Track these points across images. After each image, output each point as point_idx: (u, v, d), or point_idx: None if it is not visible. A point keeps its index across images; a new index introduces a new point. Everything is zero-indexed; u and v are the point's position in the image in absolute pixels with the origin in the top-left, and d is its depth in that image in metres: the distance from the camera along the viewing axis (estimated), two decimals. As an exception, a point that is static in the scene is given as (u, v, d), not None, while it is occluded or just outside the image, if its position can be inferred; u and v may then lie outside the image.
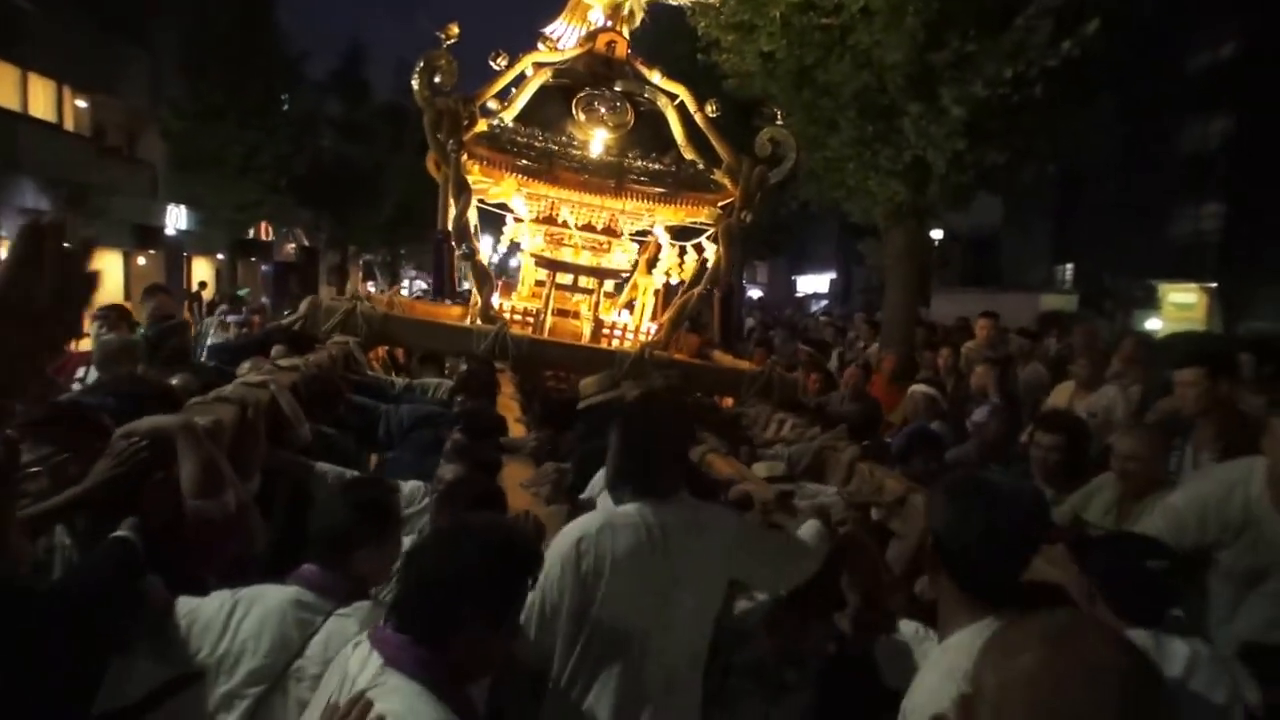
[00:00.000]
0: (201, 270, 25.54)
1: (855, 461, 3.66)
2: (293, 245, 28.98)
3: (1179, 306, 23.46)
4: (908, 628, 2.32)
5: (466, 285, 6.46)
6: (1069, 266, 30.13)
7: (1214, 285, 23.01)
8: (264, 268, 28.03)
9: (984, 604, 1.72)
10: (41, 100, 18.71)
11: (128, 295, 16.00)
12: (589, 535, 2.19)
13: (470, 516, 2.11)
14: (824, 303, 35.30)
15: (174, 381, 3.35)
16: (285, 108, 21.91)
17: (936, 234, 22.73)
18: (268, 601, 1.97)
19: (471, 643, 1.56)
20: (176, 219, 22.80)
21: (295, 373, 3.67)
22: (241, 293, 10.25)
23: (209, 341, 6.46)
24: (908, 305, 9.28)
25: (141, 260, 22.65)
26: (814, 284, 46.00)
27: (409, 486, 2.96)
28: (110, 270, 21.32)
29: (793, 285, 46.74)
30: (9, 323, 0.77)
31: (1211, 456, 3.61)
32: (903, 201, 8.42)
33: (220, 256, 24.13)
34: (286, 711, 1.87)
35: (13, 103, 17.67)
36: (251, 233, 24.68)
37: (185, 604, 1.97)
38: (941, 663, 1.71)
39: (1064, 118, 8.26)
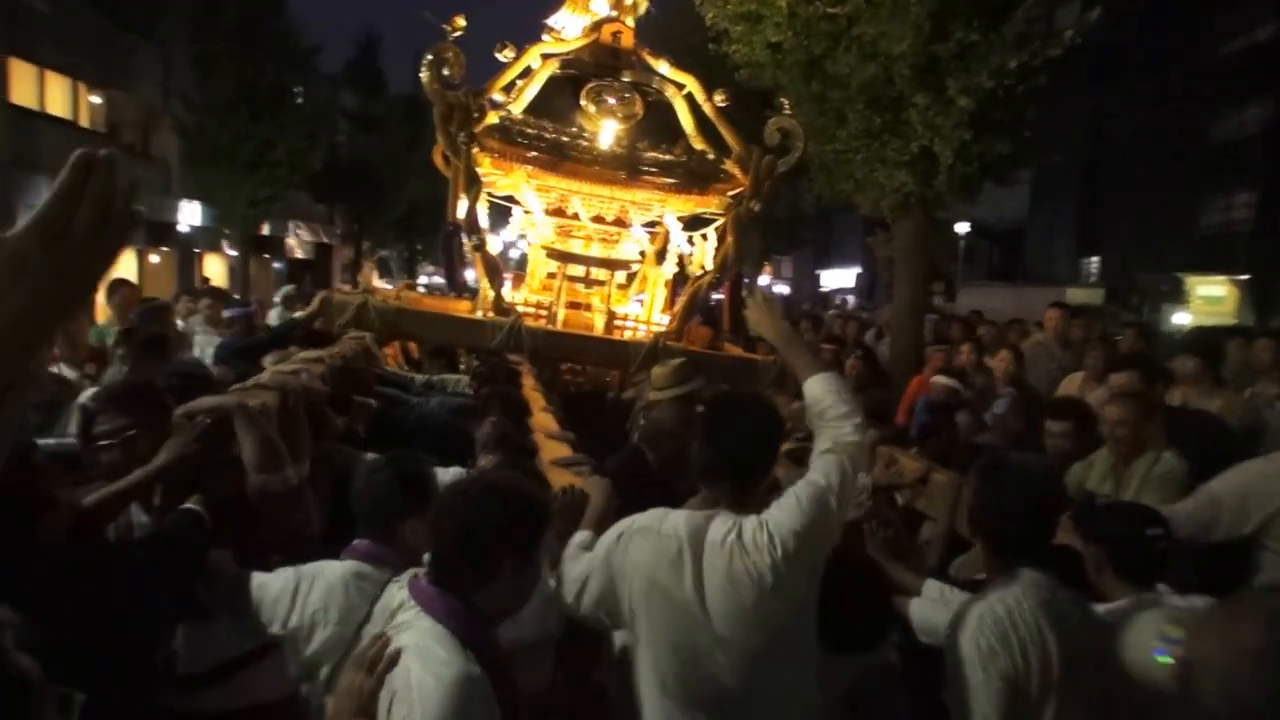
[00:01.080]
0: (214, 267, 26.00)
1: (875, 444, 3.76)
2: (293, 239, 29.21)
3: (1207, 300, 23.25)
4: (932, 588, 2.53)
5: (471, 275, 6.63)
6: (1095, 260, 29.98)
7: (1244, 278, 22.82)
8: (276, 264, 28.36)
9: (1014, 562, 2.16)
10: (58, 97, 19.22)
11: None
12: (627, 534, 2.13)
13: (488, 473, 2.33)
14: (849, 297, 35.31)
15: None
16: (299, 101, 22.16)
17: (963, 228, 22.80)
18: (329, 576, 2.14)
19: (496, 592, 1.76)
20: (189, 215, 23.22)
21: (321, 365, 3.78)
22: (285, 290, 10.52)
23: (199, 337, 6.54)
24: (916, 297, 9.47)
25: (154, 258, 23.09)
26: (839, 278, 45.97)
27: (451, 473, 3.01)
28: (124, 268, 21.80)
29: (817, 280, 46.68)
30: (46, 251, 0.77)
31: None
32: (910, 193, 8.61)
33: (233, 253, 24.53)
34: None
35: (30, 100, 18.15)
36: (266, 229, 25.00)
37: (255, 578, 2.16)
38: (983, 606, 2.11)
39: (1072, 107, 8.45)
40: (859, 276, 42.96)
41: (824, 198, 9.95)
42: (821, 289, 43.35)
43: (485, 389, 4.18)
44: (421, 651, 1.64)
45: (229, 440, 2.37)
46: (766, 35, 8.27)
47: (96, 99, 20.69)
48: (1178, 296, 24.07)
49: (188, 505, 2.22)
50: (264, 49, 20.19)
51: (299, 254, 29.91)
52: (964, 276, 22.72)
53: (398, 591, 1.86)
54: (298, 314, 5.61)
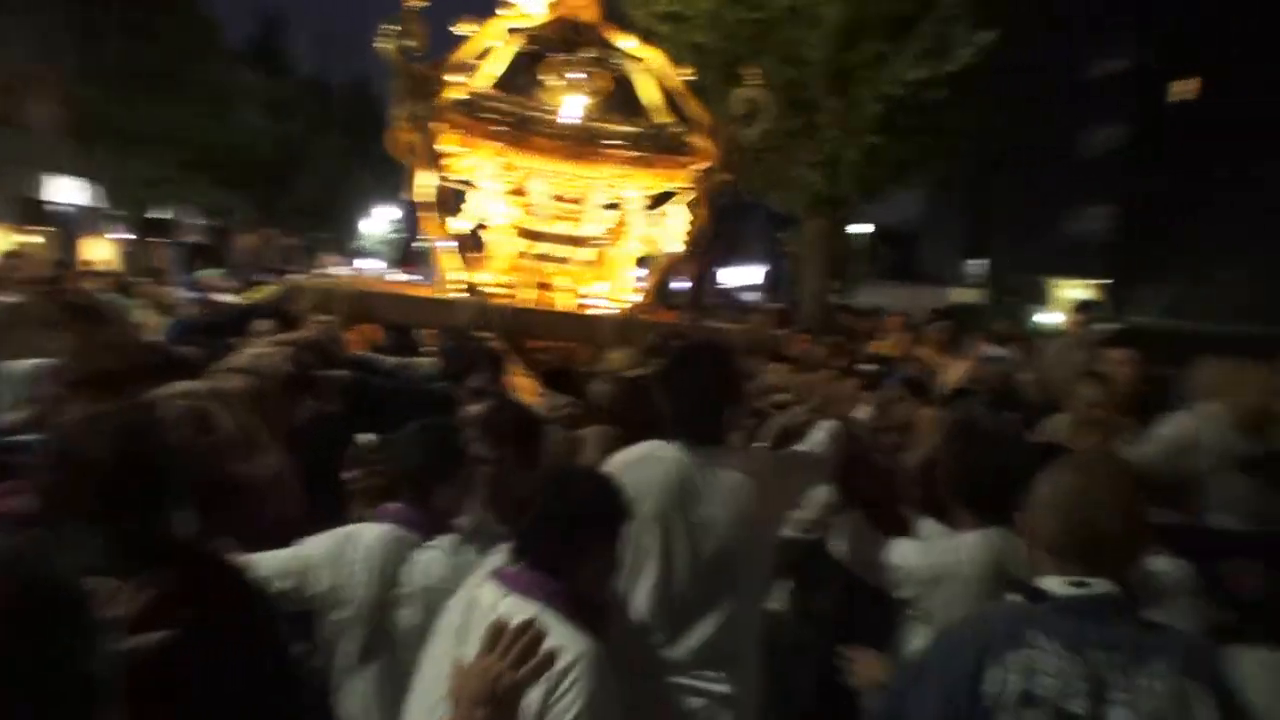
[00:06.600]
0: (97, 250, 24.44)
1: (856, 392, 3.94)
2: (188, 223, 27.78)
3: (1069, 301, 25.12)
4: (926, 527, 2.53)
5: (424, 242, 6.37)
6: (979, 262, 31.97)
7: (1104, 282, 24.93)
8: (169, 249, 26.97)
9: (982, 517, 2.27)
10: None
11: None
12: (626, 465, 2.29)
13: (570, 465, 2.44)
14: (756, 295, 36.16)
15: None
16: (198, 80, 21.05)
17: (865, 229, 23.80)
18: (368, 537, 2.19)
19: (587, 574, 1.83)
20: (69, 193, 21.64)
21: (291, 347, 3.60)
22: (209, 273, 10.10)
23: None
24: (824, 292, 10.04)
25: (25, 238, 21.45)
26: (744, 276, 46.72)
27: None
28: (-12, 249, 20.08)
29: (713, 277, 47.33)
30: None
31: None
32: (819, 192, 9.13)
33: (120, 236, 23.18)
34: (395, 634, 2.14)
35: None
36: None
37: (293, 549, 2.18)
38: (947, 547, 2.31)
39: (966, 118, 9.15)
40: (767, 274, 43.90)
41: (738, 193, 10.35)
42: (721, 285, 43.88)
43: (467, 345, 4.28)
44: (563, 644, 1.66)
45: (209, 425, 2.28)
46: (691, 36, 8.60)
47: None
48: (1045, 297, 25.96)
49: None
50: (158, 20, 18.99)
51: (194, 238, 28.46)
52: (864, 276, 23.74)
53: (475, 587, 1.85)
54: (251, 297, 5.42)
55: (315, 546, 2.20)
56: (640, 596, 2.22)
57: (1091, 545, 1.54)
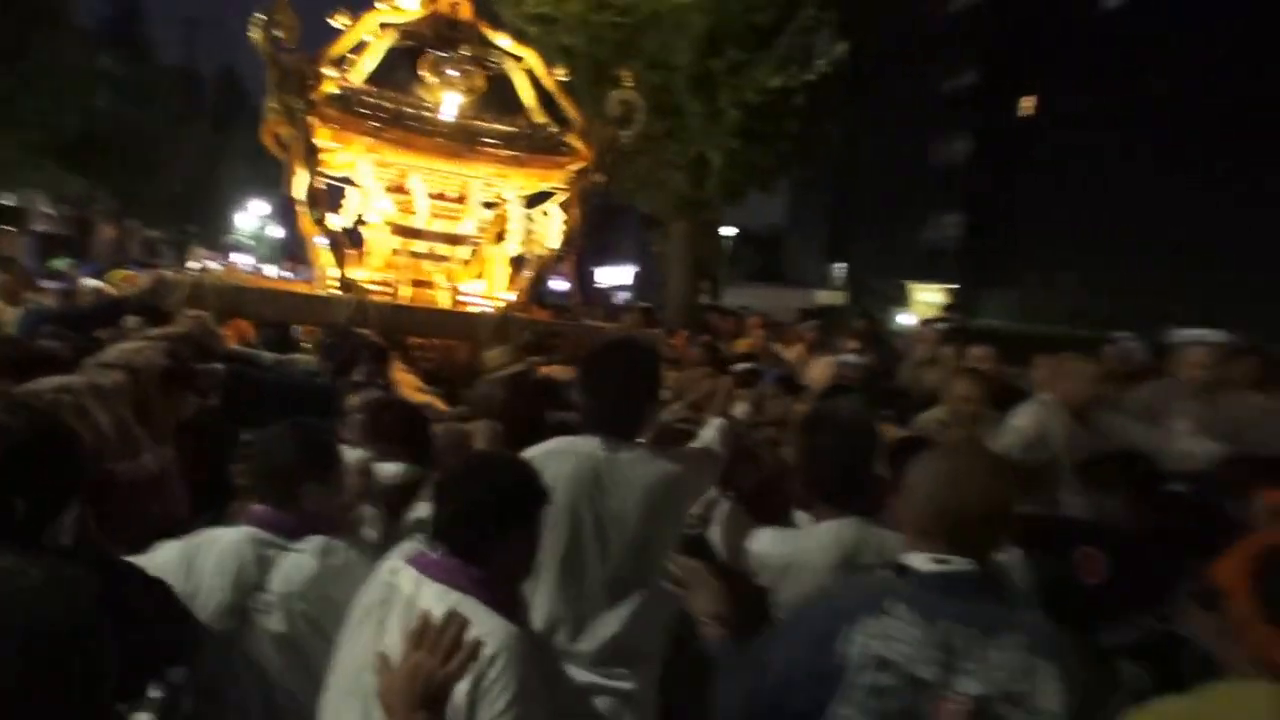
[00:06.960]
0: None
1: (732, 390, 3.91)
2: (42, 211, 25.72)
3: (926, 305, 26.75)
4: (800, 518, 2.57)
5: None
6: (841, 265, 33.47)
7: (954, 286, 26.59)
8: (25, 238, 24.95)
9: (836, 508, 2.29)
10: None
11: None
12: (538, 458, 2.23)
13: (485, 453, 2.34)
14: (626, 295, 36.51)
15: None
16: (45, 58, 19.38)
17: (730, 231, 24.52)
18: (223, 542, 2.02)
19: (506, 560, 1.77)
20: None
21: (165, 342, 3.43)
22: (60, 263, 9.30)
23: None
24: (687, 292, 10.35)
25: None
26: (615, 276, 47.08)
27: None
28: None
29: (591, 277, 47.63)
30: None
31: None
32: (685, 194, 9.41)
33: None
34: (258, 641, 1.99)
35: None
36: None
37: (140, 559, 1.98)
38: (797, 536, 2.38)
39: (825, 126, 9.64)
40: (636, 275, 44.45)
41: (609, 194, 10.53)
42: (596, 285, 44.16)
43: (348, 340, 4.23)
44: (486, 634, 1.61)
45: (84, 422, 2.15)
46: (559, 38, 8.69)
47: None
48: (903, 300, 27.46)
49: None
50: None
51: (47, 228, 26.38)
52: (729, 278, 24.43)
53: (389, 576, 1.79)
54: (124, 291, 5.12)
55: (163, 555, 2.03)
56: (546, 590, 2.18)
57: (955, 526, 1.61)
